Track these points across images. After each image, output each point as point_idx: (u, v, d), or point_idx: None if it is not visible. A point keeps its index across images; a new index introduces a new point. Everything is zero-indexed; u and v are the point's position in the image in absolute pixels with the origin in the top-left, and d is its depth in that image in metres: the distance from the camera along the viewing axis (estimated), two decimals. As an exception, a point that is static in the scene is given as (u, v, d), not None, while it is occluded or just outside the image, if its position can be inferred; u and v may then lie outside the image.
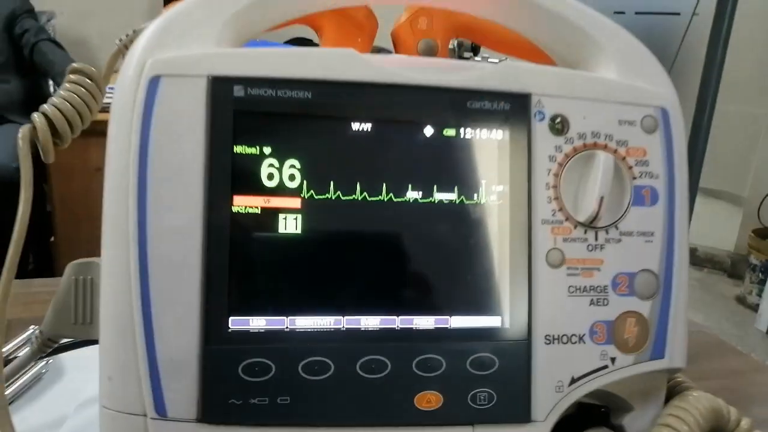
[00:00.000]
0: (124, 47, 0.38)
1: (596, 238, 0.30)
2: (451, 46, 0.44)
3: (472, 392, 0.28)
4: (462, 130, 0.30)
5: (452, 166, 0.30)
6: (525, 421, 0.29)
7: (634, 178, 0.31)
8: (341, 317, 0.28)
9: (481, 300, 0.29)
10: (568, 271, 0.30)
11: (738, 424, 0.32)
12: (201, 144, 0.27)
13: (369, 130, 0.29)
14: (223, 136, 0.27)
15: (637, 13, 2.38)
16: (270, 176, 0.28)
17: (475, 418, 0.29)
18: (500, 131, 0.30)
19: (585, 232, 0.30)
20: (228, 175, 0.27)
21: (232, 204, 0.27)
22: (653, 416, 0.32)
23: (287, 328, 0.28)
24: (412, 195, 0.29)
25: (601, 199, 0.29)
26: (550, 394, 0.29)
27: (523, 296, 0.29)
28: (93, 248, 0.29)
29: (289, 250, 0.28)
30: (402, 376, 0.28)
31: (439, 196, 0.29)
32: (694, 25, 2.11)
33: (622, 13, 2.32)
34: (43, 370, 0.42)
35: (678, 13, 2.30)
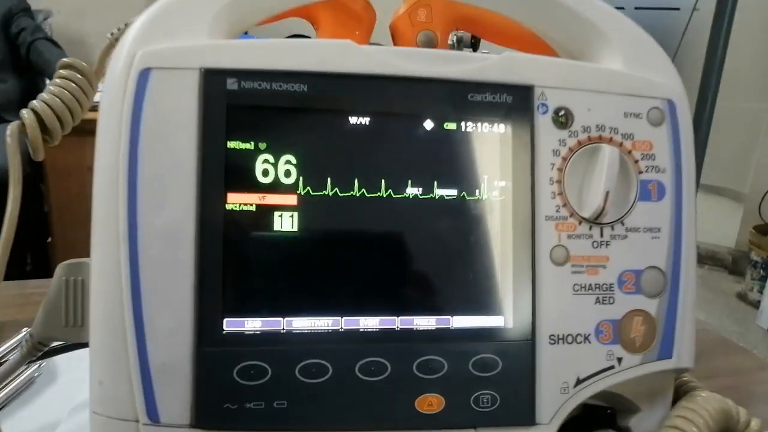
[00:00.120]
0: (116, 41, 0.37)
1: (602, 235, 0.29)
2: (450, 42, 0.43)
3: (475, 394, 0.28)
4: (463, 123, 0.29)
5: (453, 160, 0.29)
6: (529, 423, 0.28)
7: (641, 172, 0.30)
8: (339, 318, 0.27)
9: (483, 299, 0.29)
10: (572, 268, 0.29)
11: (747, 425, 0.31)
12: (193, 139, 0.26)
13: (367, 123, 0.28)
14: (216, 131, 0.26)
15: (636, 8, 2.38)
16: (265, 172, 0.27)
17: (477, 421, 0.28)
18: (502, 125, 0.29)
19: (590, 228, 0.29)
20: (221, 171, 0.27)
21: (225, 201, 0.27)
22: (661, 417, 0.31)
23: (284, 329, 0.27)
24: (411, 191, 0.28)
25: (607, 194, 0.28)
26: (555, 396, 0.28)
27: (526, 295, 0.29)
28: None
29: (286, 249, 0.27)
30: (402, 379, 0.27)
31: (439, 192, 0.28)
32: (694, 20, 2.10)
33: (622, 8, 2.31)
34: (36, 374, 0.41)
35: (678, 8, 2.29)
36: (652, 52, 0.32)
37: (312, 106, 0.28)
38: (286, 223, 0.27)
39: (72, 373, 0.42)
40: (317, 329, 0.27)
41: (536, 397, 0.28)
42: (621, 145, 0.30)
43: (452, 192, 0.29)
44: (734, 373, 0.49)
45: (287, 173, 0.27)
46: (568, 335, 0.29)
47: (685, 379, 0.34)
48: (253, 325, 0.27)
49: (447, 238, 0.29)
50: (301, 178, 0.27)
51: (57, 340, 0.34)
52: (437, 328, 0.28)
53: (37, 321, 0.31)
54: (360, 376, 0.27)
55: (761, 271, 2.16)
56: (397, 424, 0.27)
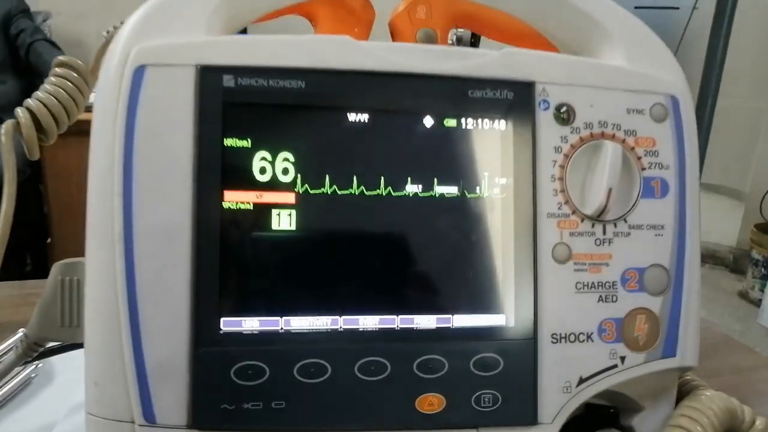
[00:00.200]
0: (112, 39, 0.37)
1: (604, 232, 0.29)
2: (450, 41, 0.42)
3: (476, 394, 0.27)
4: (463, 120, 0.28)
5: (453, 158, 0.28)
6: (531, 423, 0.28)
7: (644, 168, 0.29)
8: (338, 317, 0.27)
9: (484, 298, 0.28)
10: (575, 266, 0.29)
11: (753, 424, 0.31)
12: (189, 137, 0.26)
13: (366, 120, 0.28)
14: (213, 129, 0.26)
15: (636, 7, 2.37)
16: (262, 170, 0.27)
17: (479, 420, 0.27)
18: (503, 121, 0.29)
19: (592, 225, 0.29)
20: (218, 169, 0.26)
21: (222, 200, 0.26)
22: (664, 417, 0.31)
23: (282, 329, 0.27)
24: (411, 189, 0.28)
25: (609, 191, 0.28)
26: (558, 395, 0.28)
27: (528, 293, 0.28)
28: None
29: (284, 248, 0.27)
30: (402, 378, 0.27)
31: (439, 189, 0.28)
32: (694, 19, 2.10)
33: (621, 7, 2.31)
34: (33, 375, 0.41)
35: (677, 8, 2.29)
36: (655, 47, 0.31)
37: (310, 103, 0.27)
38: (284, 221, 0.27)
39: (69, 374, 0.41)
40: (316, 329, 0.27)
41: (538, 396, 0.28)
42: (624, 141, 0.29)
43: (452, 190, 0.28)
44: (738, 372, 0.48)
45: (285, 171, 0.27)
46: (571, 334, 0.28)
47: (688, 377, 0.34)
48: (250, 324, 0.26)
49: (447, 236, 0.28)
50: (299, 176, 0.27)
51: (52, 341, 0.33)
52: (438, 327, 0.28)
53: (33, 321, 0.31)
54: (359, 375, 0.27)
55: (762, 269, 2.15)
56: (398, 424, 0.27)
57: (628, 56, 0.31)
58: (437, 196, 0.28)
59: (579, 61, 0.30)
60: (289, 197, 0.27)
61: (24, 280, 0.56)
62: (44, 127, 0.33)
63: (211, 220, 0.26)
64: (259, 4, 0.31)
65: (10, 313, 0.46)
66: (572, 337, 0.28)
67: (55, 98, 0.33)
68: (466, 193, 0.28)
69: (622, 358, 0.29)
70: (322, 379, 0.26)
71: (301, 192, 0.27)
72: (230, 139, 0.26)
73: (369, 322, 0.27)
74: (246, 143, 0.27)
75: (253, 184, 0.27)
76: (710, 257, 2.55)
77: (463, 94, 0.28)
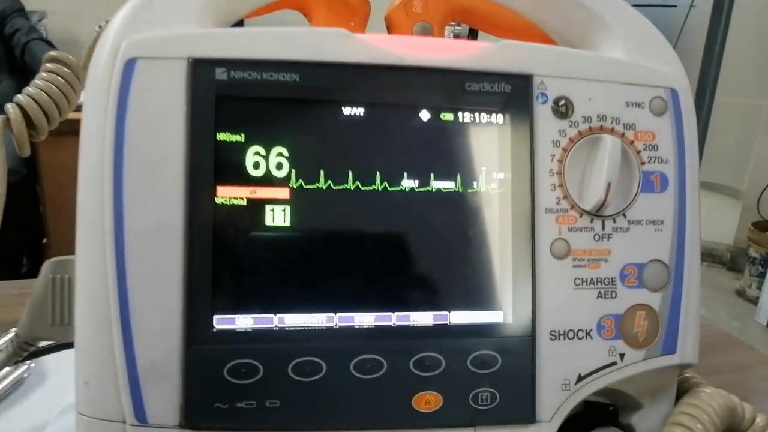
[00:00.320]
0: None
1: (603, 228, 0.29)
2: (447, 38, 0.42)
3: (474, 392, 0.27)
4: (460, 113, 0.28)
5: (450, 152, 0.28)
6: (530, 421, 0.27)
7: (643, 163, 0.29)
8: (333, 314, 0.27)
9: (481, 294, 0.28)
10: (573, 262, 0.28)
11: (753, 421, 0.31)
12: (181, 131, 0.25)
13: (361, 114, 0.27)
14: (205, 123, 0.26)
15: (634, 5, 2.36)
16: (256, 165, 0.26)
17: (476, 419, 0.27)
18: (500, 115, 0.28)
19: (591, 221, 0.28)
20: (211, 164, 0.26)
21: (215, 195, 0.26)
22: (664, 414, 0.31)
23: (276, 326, 0.26)
24: (407, 184, 0.27)
25: (608, 185, 0.28)
26: (556, 393, 0.28)
27: (526, 290, 0.28)
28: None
29: (278, 244, 0.27)
30: (399, 376, 0.26)
31: (436, 184, 0.28)
32: (691, 16, 2.10)
33: (619, 6, 2.30)
34: (25, 374, 0.40)
35: (674, 5, 2.29)
36: (654, 40, 0.31)
37: (304, 97, 0.27)
38: (278, 217, 0.26)
39: (62, 373, 0.41)
40: (311, 326, 0.26)
41: (537, 394, 0.27)
42: (623, 135, 0.29)
43: (449, 185, 0.28)
44: (737, 369, 0.48)
45: (279, 166, 0.27)
46: (569, 331, 0.28)
47: (687, 375, 0.33)
48: (244, 322, 0.26)
49: (444, 232, 0.28)
50: (293, 171, 0.27)
51: (43, 340, 0.33)
52: (435, 324, 0.27)
53: (23, 320, 0.31)
54: (355, 373, 0.26)
55: (760, 267, 2.16)
56: (394, 422, 0.26)
57: (627, 49, 0.30)
58: (434, 191, 0.28)
59: (578, 54, 0.30)
60: (284, 192, 0.27)
61: (19, 280, 0.56)
62: (35, 122, 0.32)
63: (204, 216, 0.25)
64: (252, -3, 0.30)
65: (2, 313, 0.46)
66: (571, 334, 0.28)
67: (46, 93, 0.33)
68: (463, 188, 0.28)
69: (622, 355, 0.29)
70: (317, 377, 0.26)
71: (295, 187, 0.27)
72: (223, 134, 0.26)
73: (365, 319, 0.27)
74: (239, 137, 0.26)
75: (246, 180, 0.26)
76: (708, 255, 2.56)
77: (460, 87, 0.28)
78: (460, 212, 0.28)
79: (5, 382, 0.38)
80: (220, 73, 0.26)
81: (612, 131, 0.29)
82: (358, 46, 0.27)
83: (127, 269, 0.25)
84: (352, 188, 0.27)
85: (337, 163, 0.27)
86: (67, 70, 0.34)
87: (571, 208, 0.28)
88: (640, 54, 0.30)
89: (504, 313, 0.28)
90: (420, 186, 0.28)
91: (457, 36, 1.00)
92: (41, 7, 2.03)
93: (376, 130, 0.27)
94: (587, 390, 0.28)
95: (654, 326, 0.29)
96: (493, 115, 0.28)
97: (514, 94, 0.28)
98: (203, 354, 0.25)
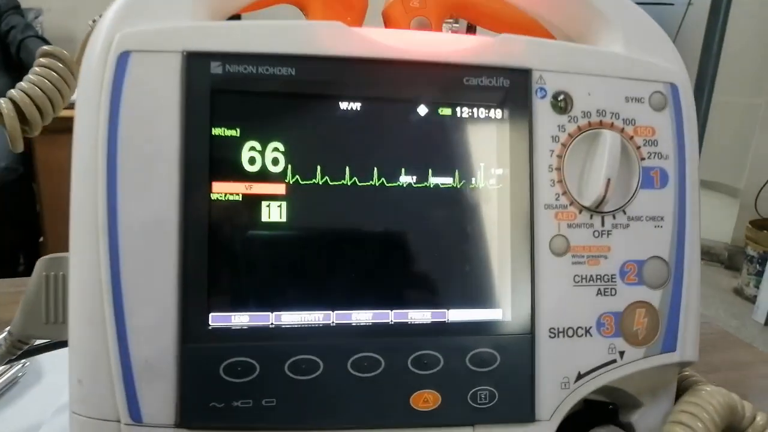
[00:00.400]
0: (98, 28, 0.36)
1: (603, 224, 0.28)
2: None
3: (472, 390, 0.27)
4: (458, 108, 0.28)
5: (448, 147, 0.28)
6: (529, 420, 0.27)
7: (643, 159, 0.29)
8: (330, 312, 0.26)
9: (480, 292, 0.28)
10: (573, 259, 0.28)
11: (753, 419, 0.30)
12: (176, 126, 0.25)
13: (359, 109, 0.27)
14: (200, 117, 0.25)
15: (631, 3, 2.37)
16: (252, 160, 0.26)
17: (475, 418, 0.27)
18: (499, 110, 0.28)
19: (591, 217, 0.28)
20: (206, 159, 0.25)
21: (210, 191, 0.26)
22: (664, 413, 0.30)
23: (272, 324, 0.26)
24: (405, 179, 0.27)
25: (608, 181, 0.27)
26: (556, 392, 0.28)
27: (525, 287, 0.28)
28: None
29: (274, 240, 0.26)
30: (397, 375, 0.26)
31: (434, 180, 0.27)
32: (689, 15, 2.10)
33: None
34: (20, 374, 0.40)
35: (672, 4, 2.28)
36: (654, 34, 0.31)
37: (301, 91, 0.27)
38: (274, 213, 0.26)
39: (57, 372, 0.41)
40: (307, 324, 0.26)
41: (536, 392, 0.27)
42: (622, 130, 0.29)
43: (447, 180, 0.27)
44: (737, 368, 0.48)
45: (275, 161, 0.26)
46: (569, 328, 0.28)
47: (687, 373, 0.33)
48: (240, 319, 0.26)
49: (442, 228, 0.28)
50: (289, 167, 0.26)
51: (37, 338, 0.32)
52: (433, 322, 0.27)
53: (16, 318, 0.30)
54: (352, 372, 0.26)
55: (757, 265, 2.16)
56: (392, 421, 0.26)
57: (626, 43, 0.30)
58: (432, 186, 0.27)
59: (577, 48, 0.29)
60: (280, 188, 0.26)
61: (16, 278, 0.55)
62: (28, 117, 0.32)
63: (199, 212, 0.25)
64: (248, -9, 0.30)
65: (-2, 311, 0.45)
66: (570, 332, 0.28)
67: (39, 88, 0.33)
68: (462, 183, 0.28)
69: (621, 353, 0.28)
70: (313, 375, 0.26)
71: (291, 183, 0.26)
72: (218, 128, 0.26)
73: (362, 316, 0.27)
74: (235, 132, 0.26)
75: (242, 175, 0.26)
76: (705, 254, 2.56)
77: (458, 82, 0.27)
78: (459, 208, 0.28)
79: (-1, 381, 0.38)
80: (215, 67, 0.25)
81: (612, 126, 0.29)
82: (355, 39, 0.27)
83: (121, 266, 0.24)
84: (349, 184, 0.27)
85: (334, 159, 0.27)
86: (60, 64, 0.34)
87: (571, 204, 0.28)
88: (640, 48, 0.30)
89: (503, 311, 0.28)
90: (418, 182, 0.27)
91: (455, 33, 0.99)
92: (37, 4, 2.02)
93: (373, 125, 0.27)
94: (587, 388, 0.28)
95: (654, 324, 0.29)
96: (492, 109, 0.28)
97: (512, 89, 0.28)
98: (199, 352, 0.25)
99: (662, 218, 0.29)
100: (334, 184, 0.27)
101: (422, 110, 0.27)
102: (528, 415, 0.27)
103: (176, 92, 0.25)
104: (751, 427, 0.30)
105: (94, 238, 0.24)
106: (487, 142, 0.28)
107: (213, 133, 0.25)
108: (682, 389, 0.31)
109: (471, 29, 1.03)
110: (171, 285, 0.25)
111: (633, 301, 0.29)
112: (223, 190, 0.26)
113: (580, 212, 0.28)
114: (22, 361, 0.40)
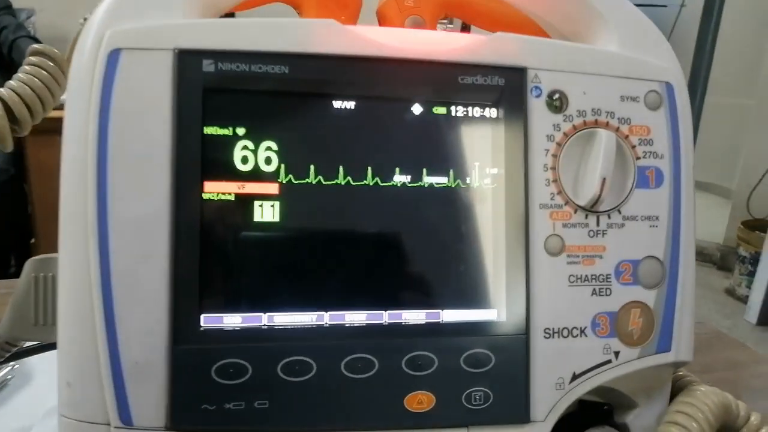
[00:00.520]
0: (88, 26, 0.35)
1: (598, 224, 0.28)
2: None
3: (467, 391, 0.26)
4: (453, 107, 0.27)
5: (443, 147, 0.27)
6: (524, 421, 0.27)
7: (638, 158, 0.29)
8: (324, 313, 0.26)
9: (475, 292, 0.27)
10: (568, 259, 0.28)
11: (747, 419, 0.30)
12: (167, 124, 0.25)
13: (352, 108, 0.27)
14: (192, 116, 0.25)
15: (624, 5, 2.38)
16: (244, 160, 0.26)
17: (470, 419, 0.27)
18: (494, 108, 0.28)
19: (586, 216, 0.28)
20: (197, 158, 0.25)
21: (202, 190, 0.25)
22: (659, 413, 0.30)
23: (265, 325, 0.26)
24: (399, 179, 0.27)
25: (603, 180, 0.27)
26: (550, 392, 0.27)
27: (520, 287, 0.27)
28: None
29: (267, 240, 0.26)
30: (391, 376, 0.26)
31: (428, 179, 0.27)
32: (682, 16, 2.11)
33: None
34: (9, 376, 0.40)
35: (665, 6, 2.30)
36: (649, 33, 0.30)
37: (294, 90, 0.26)
38: (267, 213, 0.26)
39: (47, 374, 0.40)
40: (300, 325, 0.26)
41: (531, 393, 0.27)
42: (618, 129, 0.29)
43: (442, 180, 0.27)
44: (731, 367, 0.48)
45: (268, 160, 0.26)
46: (564, 329, 0.28)
47: (681, 373, 0.33)
48: (232, 321, 0.25)
49: (437, 228, 0.27)
50: (282, 166, 0.26)
51: (26, 340, 0.32)
52: (427, 323, 0.27)
53: (4, 320, 0.30)
54: (346, 373, 0.26)
55: (749, 266, 2.17)
56: (386, 423, 0.26)
57: (622, 42, 0.30)
58: (426, 186, 0.27)
59: (572, 47, 0.29)
60: (273, 188, 0.26)
61: (7, 280, 0.55)
62: (17, 116, 0.32)
63: (191, 212, 0.25)
64: (241, -11, 0.30)
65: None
66: (565, 332, 0.28)
67: (29, 87, 0.32)
68: (456, 183, 0.27)
69: (616, 353, 0.28)
70: (307, 377, 0.25)
71: (284, 182, 0.26)
72: (210, 127, 0.25)
73: (356, 317, 0.26)
74: (227, 131, 0.26)
75: (234, 174, 0.26)
76: (698, 254, 2.55)
77: (453, 80, 0.27)
78: (453, 208, 0.27)
79: (-12, 384, 0.38)
80: (207, 65, 0.25)
81: (607, 125, 0.28)
82: (349, 37, 0.26)
83: (111, 266, 0.24)
84: (342, 183, 0.26)
85: (328, 158, 0.26)
86: (51, 63, 0.34)
87: (566, 204, 0.28)
88: (635, 47, 0.30)
89: (498, 311, 0.27)
90: (412, 181, 0.27)
91: (449, 34, 0.99)
92: (29, 4, 2.01)
93: (367, 123, 0.27)
94: (582, 389, 0.28)
95: (649, 324, 0.29)
96: (487, 108, 0.28)
97: (507, 88, 0.28)
98: (190, 354, 0.25)
99: (657, 218, 0.29)
100: (328, 184, 0.26)
101: (417, 109, 0.27)
102: (523, 415, 0.27)
103: (167, 90, 0.25)
104: (746, 427, 0.30)
105: (84, 238, 0.24)
106: (482, 141, 0.28)
107: (205, 132, 0.25)
108: (677, 389, 0.31)
109: (465, 30, 1.03)
110: (162, 286, 0.24)
111: (628, 301, 0.28)
112: (215, 189, 0.25)
113: (575, 212, 0.28)
114: (11, 363, 0.39)
